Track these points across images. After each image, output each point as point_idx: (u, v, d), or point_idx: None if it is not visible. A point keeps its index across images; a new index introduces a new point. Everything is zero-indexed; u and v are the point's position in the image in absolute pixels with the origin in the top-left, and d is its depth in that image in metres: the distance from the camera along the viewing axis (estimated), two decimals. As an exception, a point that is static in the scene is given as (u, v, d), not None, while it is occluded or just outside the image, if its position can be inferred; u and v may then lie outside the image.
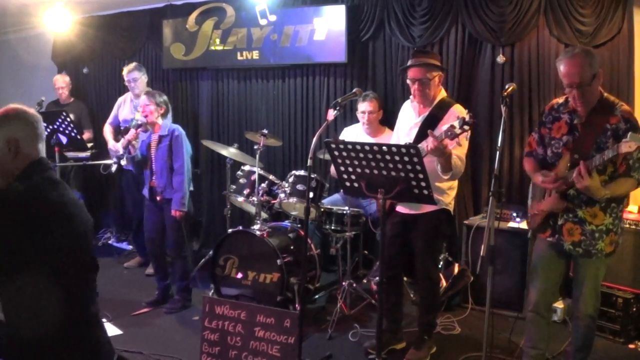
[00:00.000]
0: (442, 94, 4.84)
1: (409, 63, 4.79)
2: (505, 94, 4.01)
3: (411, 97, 4.87)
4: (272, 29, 7.36)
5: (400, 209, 4.95)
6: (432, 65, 4.71)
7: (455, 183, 4.89)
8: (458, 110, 4.64)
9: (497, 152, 3.94)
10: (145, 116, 5.95)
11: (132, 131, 6.06)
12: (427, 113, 4.75)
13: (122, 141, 7.03)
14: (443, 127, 4.25)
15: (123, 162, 7.04)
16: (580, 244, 4.06)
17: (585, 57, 3.85)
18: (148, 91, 6.21)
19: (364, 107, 6.39)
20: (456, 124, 4.07)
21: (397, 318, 5.21)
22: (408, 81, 4.78)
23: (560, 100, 4.22)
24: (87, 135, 8.37)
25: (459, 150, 4.53)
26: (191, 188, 6.19)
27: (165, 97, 6.12)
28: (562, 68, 3.95)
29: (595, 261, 4.09)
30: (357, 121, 6.68)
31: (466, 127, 4.06)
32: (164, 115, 6.06)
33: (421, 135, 4.61)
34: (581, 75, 3.86)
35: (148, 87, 7.46)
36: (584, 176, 3.75)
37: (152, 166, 6.07)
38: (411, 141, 4.67)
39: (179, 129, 6.07)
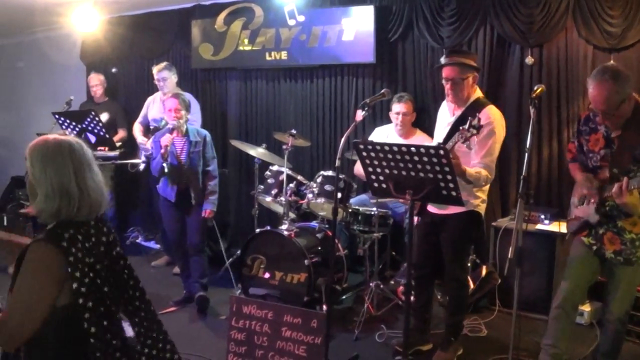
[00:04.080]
0: (477, 94, 4.84)
1: (442, 62, 4.82)
2: (534, 95, 4.03)
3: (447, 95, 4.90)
4: (301, 30, 7.43)
5: (431, 208, 4.98)
6: (466, 65, 4.72)
7: (486, 186, 4.90)
8: (490, 112, 4.65)
9: (526, 154, 3.97)
10: (178, 119, 6.01)
11: (168, 136, 6.04)
12: (460, 113, 4.76)
13: (152, 140, 7.14)
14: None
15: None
16: (621, 253, 4.09)
17: (614, 83, 3.83)
18: (177, 94, 6.28)
19: (398, 108, 6.45)
20: (466, 126, 4.11)
21: (425, 318, 5.25)
22: (443, 80, 4.80)
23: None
24: (121, 134, 8.53)
25: (487, 158, 4.56)
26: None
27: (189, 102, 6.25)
28: (590, 89, 3.95)
29: (637, 268, 4.12)
30: (387, 122, 6.76)
31: (473, 131, 4.08)
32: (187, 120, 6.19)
33: (450, 136, 4.61)
34: (607, 103, 3.87)
35: (177, 87, 7.56)
36: (624, 193, 3.78)
37: (182, 171, 6.12)
38: (442, 141, 4.70)
39: (207, 132, 6.25)
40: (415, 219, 4.97)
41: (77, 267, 2.57)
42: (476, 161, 4.56)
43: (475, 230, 5.00)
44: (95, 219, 2.78)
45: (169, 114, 6.08)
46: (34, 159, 2.73)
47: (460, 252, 4.96)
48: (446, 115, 4.97)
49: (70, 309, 2.59)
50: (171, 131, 6.06)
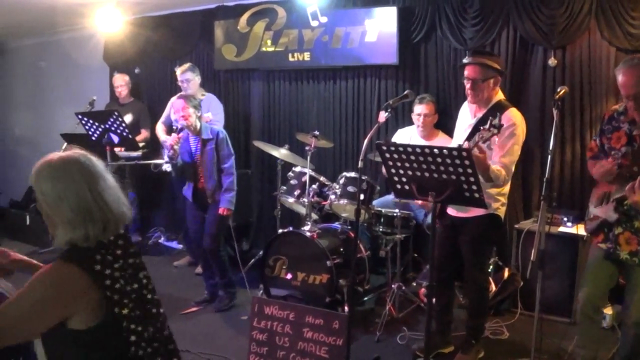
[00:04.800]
0: (499, 96, 4.86)
1: (465, 61, 4.85)
2: (557, 97, 4.08)
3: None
4: (323, 31, 7.49)
5: (450, 211, 5.00)
6: (489, 66, 4.73)
7: (506, 188, 4.91)
8: (511, 114, 4.68)
9: (549, 156, 4.01)
10: (185, 119, 6.11)
11: (174, 135, 6.24)
12: (482, 115, 4.78)
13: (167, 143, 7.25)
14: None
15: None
16: (637, 254, 4.10)
17: None
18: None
19: (419, 109, 6.48)
20: (487, 126, 4.13)
21: (446, 321, 5.29)
22: (464, 79, 4.82)
23: (620, 108, 4.25)
24: (144, 134, 8.66)
25: (507, 158, 4.59)
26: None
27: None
28: (619, 77, 4.00)
29: None
30: (409, 123, 6.81)
31: (494, 130, 4.09)
32: (200, 118, 6.26)
33: (470, 138, 4.63)
34: (637, 86, 3.91)
35: (201, 89, 7.67)
36: (636, 191, 3.82)
37: (198, 170, 6.25)
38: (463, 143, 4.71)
39: (221, 130, 6.31)
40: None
41: (114, 288, 2.48)
42: (495, 160, 4.57)
43: (495, 234, 5.04)
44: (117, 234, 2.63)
45: (176, 114, 6.22)
46: (42, 184, 2.52)
47: (480, 255, 4.99)
48: (467, 116, 5.01)
49: (109, 328, 2.49)
50: (179, 131, 6.21)
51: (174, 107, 6.35)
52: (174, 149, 6.25)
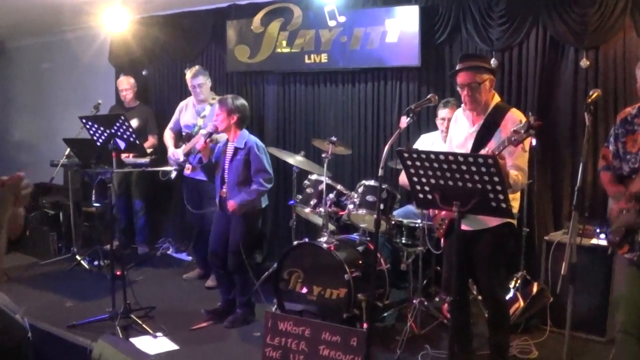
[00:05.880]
0: (496, 99, 4.88)
1: (457, 68, 4.85)
2: (590, 100, 4.10)
3: (462, 105, 4.96)
4: (342, 31, 7.53)
5: (462, 226, 5.01)
6: (481, 67, 4.76)
7: (519, 194, 4.90)
8: (516, 115, 4.70)
9: (580, 163, 4.03)
10: (216, 127, 6.18)
11: (202, 140, 6.24)
12: (483, 121, 4.80)
13: (184, 148, 7.31)
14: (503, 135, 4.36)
15: (187, 172, 7.29)
16: None
17: None
18: (220, 98, 6.38)
19: (444, 113, 6.45)
20: (519, 128, 4.13)
21: (467, 336, 5.25)
22: (458, 88, 4.87)
23: (633, 110, 4.28)
24: (151, 140, 8.77)
25: (520, 160, 4.61)
26: (267, 202, 6.48)
27: (240, 102, 6.25)
28: (638, 76, 4.04)
29: None
30: (433, 129, 6.81)
31: (532, 131, 4.10)
32: (239, 124, 6.22)
33: (478, 146, 4.69)
34: None
35: (212, 92, 7.74)
36: None
37: (224, 175, 6.29)
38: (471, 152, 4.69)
39: (257, 143, 6.25)
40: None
41: None
42: (509, 164, 4.50)
43: (511, 243, 5.02)
44: None
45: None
46: None
47: (495, 268, 4.92)
48: (465, 125, 5.00)
49: None
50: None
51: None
52: (203, 154, 6.29)
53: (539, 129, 4.21)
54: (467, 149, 4.81)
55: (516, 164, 4.59)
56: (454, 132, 5.15)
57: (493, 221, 4.60)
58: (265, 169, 6.21)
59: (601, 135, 6.17)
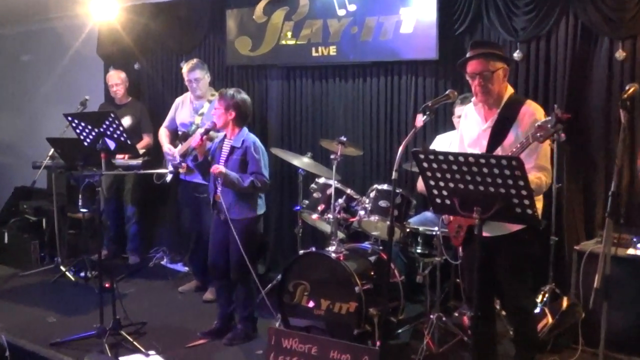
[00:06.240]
0: (510, 90, 4.81)
1: (468, 55, 4.78)
2: (626, 96, 4.02)
3: (473, 99, 4.89)
4: (352, 21, 7.49)
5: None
6: (494, 54, 4.70)
7: (541, 195, 4.82)
8: (533, 108, 4.65)
9: (615, 166, 3.98)
10: (214, 123, 6.13)
11: (198, 138, 6.17)
12: (497, 115, 4.73)
13: (180, 147, 7.25)
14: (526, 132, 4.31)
15: (181, 171, 7.23)
16: None
17: None
18: (221, 91, 6.30)
19: (461, 111, 6.37)
20: (545, 123, 4.09)
21: (489, 354, 5.16)
22: (468, 78, 4.78)
23: None
24: (146, 140, 8.75)
25: (543, 159, 4.55)
26: (264, 209, 6.36)
27: (241, 97, 6.15)
28: None
29: None
30: (450, 128, 6.75)
31: (559, 126, 4.06)
32: (237, 121, 6.14)
33: (495, 143, 4.62)
34: None
35: (211, 88, 7.68)
36: None
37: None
38: (483, 151, 4.65)
39: (256, 143, 6.16)
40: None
41: None
42: (531, 165, 4.45)
43: (536, 247, 4.93)
44: None
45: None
46: None
47: (520, 276, 4.83)
48: (477, 121, 4.92)
49: None
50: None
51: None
52: (198, 153, 6.22)
53: (567, 123, 4.14)
54: (480, 147, 4.76)
55: (539, 164, 4.53)
56: (465, 129, 5.08)
57: (515, 225, 4.53)
58: (261, 172, 6.11)
59: (638, 135, 6.13)
